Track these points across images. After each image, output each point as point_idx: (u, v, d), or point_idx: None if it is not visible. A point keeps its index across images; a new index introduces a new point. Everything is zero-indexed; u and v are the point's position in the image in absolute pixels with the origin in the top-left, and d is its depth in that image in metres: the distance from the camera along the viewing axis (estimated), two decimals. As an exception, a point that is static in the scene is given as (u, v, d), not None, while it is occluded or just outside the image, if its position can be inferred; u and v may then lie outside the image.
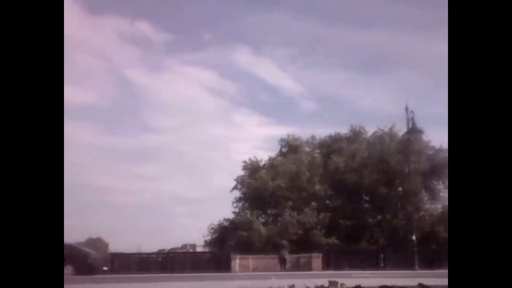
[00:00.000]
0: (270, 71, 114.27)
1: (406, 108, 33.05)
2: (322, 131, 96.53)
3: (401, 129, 44.69)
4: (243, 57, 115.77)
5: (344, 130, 53.43)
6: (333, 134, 53.46)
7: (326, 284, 7.05)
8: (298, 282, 7.98)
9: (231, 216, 48.53)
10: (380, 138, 48.74)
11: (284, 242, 36.13)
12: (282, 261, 33.94)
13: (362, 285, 7.69)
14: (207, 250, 49.07)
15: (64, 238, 3.33)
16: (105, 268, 29.19)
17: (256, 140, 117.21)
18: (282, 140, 53.30)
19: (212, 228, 48.33)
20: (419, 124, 34.29)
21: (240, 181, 48.63)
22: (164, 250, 60.01)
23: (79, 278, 16.20)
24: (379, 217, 44.37)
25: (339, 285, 6.99)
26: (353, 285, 7.84)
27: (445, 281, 10.50)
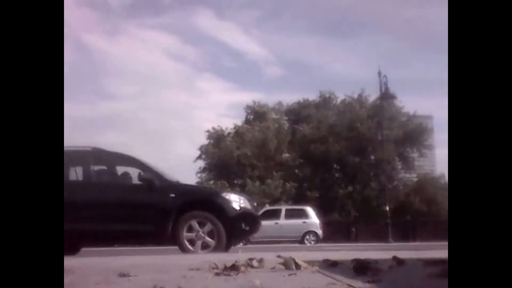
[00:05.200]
0: (234, 35, 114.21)
1: (379, 73, 32.66)
2: (289, 98, 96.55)
3: (370, 95, 45.09)
4: (206, 21, 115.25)
5: (312, 97, 53.67)
6: (301, 100, 53.61)
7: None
8: (266, 255, 8.05)
9: (195, 186, 48.50)
10: (349, 105, 48.92)
11: None
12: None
13: (332, 259, 7.77)
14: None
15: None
16: None
17: (220, 107, 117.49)
18: (248, 107, 53.29)
19: (176, 199, 48.17)
20: (391, 90, 34.16)
21: (204, 151, 48.61)
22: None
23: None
24: (350, 187, 44.76)
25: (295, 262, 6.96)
26: (321, 258, 7.91)
27: (419, 254, 10.70)
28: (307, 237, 28.00)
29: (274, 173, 44.55)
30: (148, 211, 10.78)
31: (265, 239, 23.90)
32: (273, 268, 5.96)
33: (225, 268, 5.30)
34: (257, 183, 43.17)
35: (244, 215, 11.01)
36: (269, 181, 43.45)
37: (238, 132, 47.99)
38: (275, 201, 42.63)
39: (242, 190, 43.27)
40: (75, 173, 11.48)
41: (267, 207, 32.88)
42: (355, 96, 48.97)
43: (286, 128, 48.49)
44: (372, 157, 46.46)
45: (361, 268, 5.29)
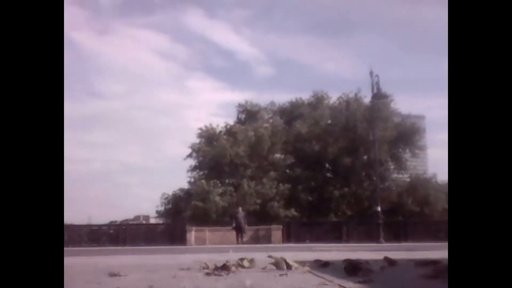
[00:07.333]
0: (224, 34, 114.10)
1: (371, 72, 32.31)
2: (281, 98, 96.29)
3: (366, 95, 44.85)
4: (196, 20, 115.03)
5: (305, 96, 53.60)
6: (294, 99, 53.51)
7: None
8: (257, 255, 8.06)
9: (185, 185, 48.52)
10: (345, 104, 48.77)
11: (240, 209, 33.60)
12: (238, 230, 31.92)
13: (323, 259, 7.79)
14: (160, 221, 49.13)
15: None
16: None
17: (211, 106, 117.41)
18: (239, 106, 53.10)
19: (166, 198, 48.12)
20: (385, 90, 33.77)
21: (196, 149, 48.38)
22: (116, 221, 59.78)
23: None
24: (343, 188, 44.65)
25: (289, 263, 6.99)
26: (313, 259, 7.93)
27: (410, 255, 10.72)
28: None
29: (272, 173, 44.50)
30: None
31: None
32: (264, 268, 5.96)
33: (216, 268, 5.30)
34: (253, 182, 42.99)
35: None
36: (264, 180, 43.36)
37: (230, 132, 47.76)
38: (267, 201, 42.57)
39: (234, 189, 43.22)
40: None
41: None
42: (351, 95, 48.81)
43: (279, 128, 48.30)
44: (365, 157, 46.29)
45: (352, 268, 5.32)
